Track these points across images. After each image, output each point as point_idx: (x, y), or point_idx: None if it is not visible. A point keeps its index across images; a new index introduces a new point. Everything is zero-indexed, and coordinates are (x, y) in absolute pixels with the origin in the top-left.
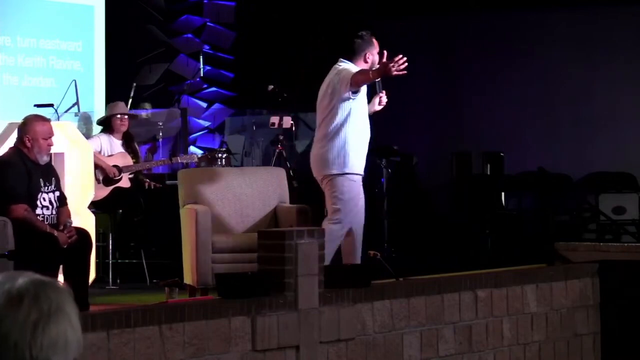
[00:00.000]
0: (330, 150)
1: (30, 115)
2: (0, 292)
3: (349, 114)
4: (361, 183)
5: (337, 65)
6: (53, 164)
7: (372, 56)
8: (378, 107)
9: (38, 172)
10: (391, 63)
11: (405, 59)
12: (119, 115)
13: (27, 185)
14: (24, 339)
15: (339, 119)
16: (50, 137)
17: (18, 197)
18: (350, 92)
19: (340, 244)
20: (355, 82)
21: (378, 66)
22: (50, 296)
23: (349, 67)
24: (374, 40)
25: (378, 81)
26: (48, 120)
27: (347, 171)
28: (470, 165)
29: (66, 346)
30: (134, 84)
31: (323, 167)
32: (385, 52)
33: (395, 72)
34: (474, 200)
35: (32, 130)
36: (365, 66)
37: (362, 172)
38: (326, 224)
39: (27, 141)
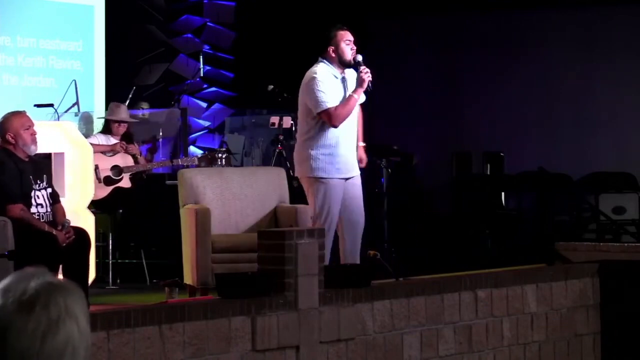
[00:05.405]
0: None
1: (5, 114)
2: (12, 299)
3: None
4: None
5: (313, 66)
6: (53, 164)
7: (338, 48)
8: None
9: (29, 170)
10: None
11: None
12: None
13: (20, 184)
14: (33, 348)
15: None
16: (30, 127)
17: (13, 196)
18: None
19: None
20: (337, 119)
21: (357, 82)
22: (59, 302)
23: (318, 76)
24: (340, 32)
25: (359, 61)
26: (23, 112)
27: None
28: (470, 165)
29: (73, 353)
30: (134, 87)
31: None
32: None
33: (366, 76)
34: (474, 200)
35: (10, 126)
36: (333, 60)
37: (339, 176)
38: None
39: (9, 138)
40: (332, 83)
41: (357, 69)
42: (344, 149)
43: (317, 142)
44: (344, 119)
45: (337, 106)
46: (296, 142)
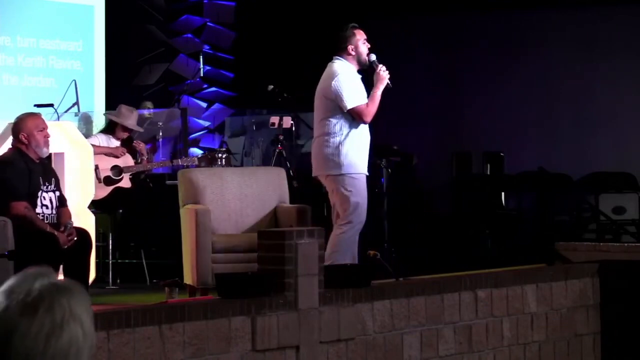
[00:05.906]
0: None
1: (20, 114)
2: (16, 301)
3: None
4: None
5: (332, 64)
6: (53, 164)
7: (357, 48)
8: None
9: (38, 171)
10: (377, 69)
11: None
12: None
13: (28, 184)
14: (36, 349)
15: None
16: (44, 129)
17: (19, 194)
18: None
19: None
20: (368, 116)
21: (376, 80)
22: (63, 304)
23: (342, 73)
24: (356, 32)
25: (373, 60)
26: (39, 114)
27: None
28: (470, 165)
29: (77, 354)
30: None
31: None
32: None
33: (385, 74)
34: (474, 200)
35: (25, 126)
36: (352, 59)
37: (365, 172)
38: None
39: (23, 138)
40: (355, 80)
41: (373, 69)
42: (366, 145)
43: (346, 139)
44: (373, 115)
45: (367, 103)
46: (316, 141)
